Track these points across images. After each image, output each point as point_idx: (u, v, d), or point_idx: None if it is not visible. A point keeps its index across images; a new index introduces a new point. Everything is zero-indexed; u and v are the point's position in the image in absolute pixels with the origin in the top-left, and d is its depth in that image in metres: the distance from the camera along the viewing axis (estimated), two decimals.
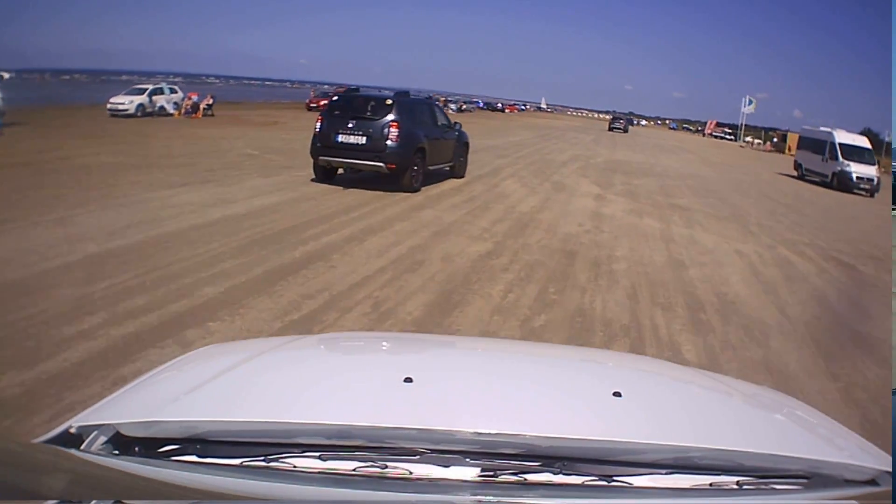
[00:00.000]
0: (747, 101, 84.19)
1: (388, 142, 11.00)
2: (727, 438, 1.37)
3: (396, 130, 11.09)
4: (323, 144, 11.09)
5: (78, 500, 1.00)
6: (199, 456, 1.22)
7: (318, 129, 11.15)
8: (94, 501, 0.99)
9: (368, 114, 11.24)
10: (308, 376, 1.64)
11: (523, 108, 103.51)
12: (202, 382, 1.45)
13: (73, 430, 1.28)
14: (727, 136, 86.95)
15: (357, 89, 12.41)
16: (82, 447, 1.24)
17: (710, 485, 1.25)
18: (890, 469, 1.32)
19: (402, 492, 1.17)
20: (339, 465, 1.19)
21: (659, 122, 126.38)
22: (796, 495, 1.27)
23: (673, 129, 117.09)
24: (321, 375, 1.65)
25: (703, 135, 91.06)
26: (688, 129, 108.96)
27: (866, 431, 2.05)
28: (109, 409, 1.38)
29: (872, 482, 1.30)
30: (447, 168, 12.55)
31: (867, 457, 1.39)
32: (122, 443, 1.26)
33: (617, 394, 1.46)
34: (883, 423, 3.86)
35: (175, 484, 1.13)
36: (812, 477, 1.28)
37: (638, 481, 1.23)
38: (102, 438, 1.26)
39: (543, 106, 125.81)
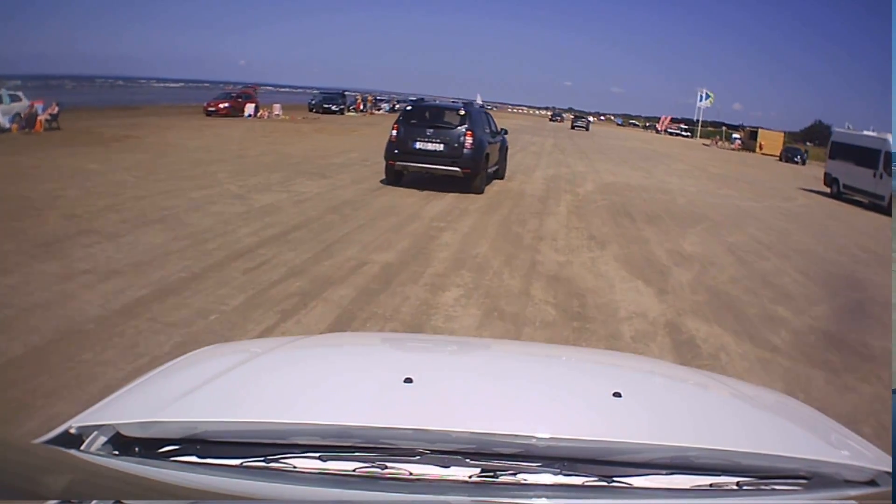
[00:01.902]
0: (704, 94, 78.11)
1: (465, 149, 12.62)
2: (727, 438, 1.39)
3: (471, 139, 12.66)
4: (400, 151, 12.78)
5: (78, 500, 1.02)
6: (199, 456, 1.26)
7: (394, 136, 12.84)
8: (94, 501, 1.01)
9: (444, 123, 12.94)
10: (308, 377, 1.66)
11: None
12: (202, 382, 1.47)
13: (73, 431, 1.31)
14: (683, 133, 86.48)
15: (422, 100, 15.83)
16: (82, 447, 1.27)
17: (710, 485, 1.27)
18: (890, 469, 1.34)
19: (401, 492, 1.20)
20: (339, 465, 1.23)
21: (602, 117, 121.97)
22: (796, 495, 1.28)
23: (619, 124, 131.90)
24: (321, 376, 1.66)
25: (657, 131, 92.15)
26: (635, 125, 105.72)
27: None
28: (109, 410, 1.40)
29: (872, 482, 1.32)
30: (492, 171, 14.28)
31: (867, 457, 1.42)
32: (122, 443, 1.30)
33: (617, 394, 1.49)
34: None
35: (175, 484, 1.16)
36: (812, 477, 1.31)
37: (638, 482, 1.25)
38: (102, 439, 1.30)
39: (479, 102, 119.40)
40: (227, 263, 6.78)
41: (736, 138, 71.91)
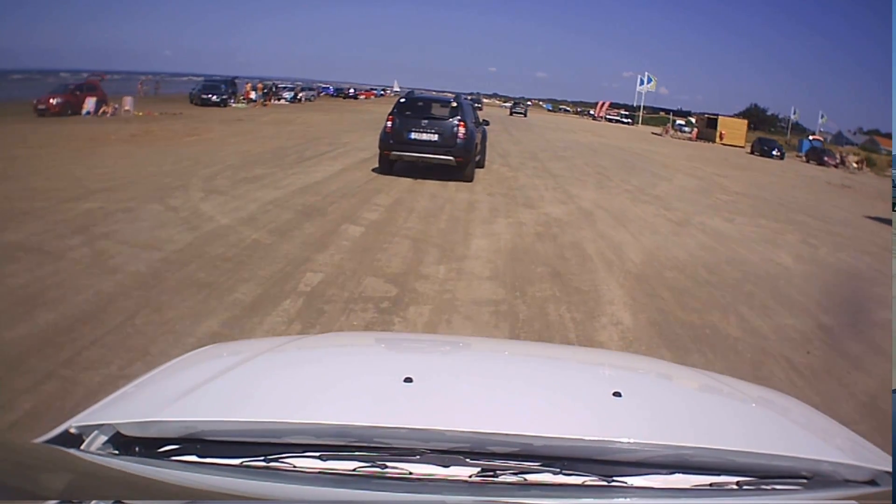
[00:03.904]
0: (646, 78, 69.11)
1: (458, 139, 13.76)
2: (727, 438, 1.42)
3: (463, 129, 13.80)
4: (395, 141, 13.97)
5: (78, 500, 1.05)
6: (199, 456, 1.30)
7: (389, 127, 14.08)
8: (94, 501, 1.04)
9: (437, 114, 14.35)
10: (308, 376, 1.67)
11: (381, 93, 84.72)
12: (202, 382, 1.49)
13: (73, 430, 1.35)
14: (624, 120, 76.93)
15: (412, 92, 17.01)
16: (82, 447, 1.31)
17: (710, 485, 1.29)
18: (890, 469, 1.36)
19: (401, 492, 1.23)
20: (339, 465, 1.27)
21: (529, 103, 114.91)
22: (796, 495, 1.29)
23: (549, 110, 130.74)
24: (321, 376, 1.68)
25: (594, 118, 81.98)
26: (566, 111, 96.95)
27: None
28: (109, 409, 1.43)
29: (872, 482, 1.34)
30: (476, 160, 16.06)
31: (867, 457, 1.44)
32: (122, 443, 1.33)
33: (617, 394, 1.52)
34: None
35: (175, 484, 1.19)
36: (812, 477, 1.33)
37: (638, 481, 1.28)
38: (102, 438, 1.33)
39: (396, 89, 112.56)
40: None
41: (681, 125, 63.31)
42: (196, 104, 38.37)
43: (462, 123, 13.88)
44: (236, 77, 50.58)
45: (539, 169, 19.43)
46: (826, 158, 45.41)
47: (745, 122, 59.46)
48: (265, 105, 44.72)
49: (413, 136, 13.79)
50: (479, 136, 15.83)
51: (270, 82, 59.72)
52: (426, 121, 13.98)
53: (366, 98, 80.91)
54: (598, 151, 30.00)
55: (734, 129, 53.71)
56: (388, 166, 14.64)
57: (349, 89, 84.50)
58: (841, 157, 47.76)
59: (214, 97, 39.12)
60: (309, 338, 2.49)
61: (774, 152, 44.66)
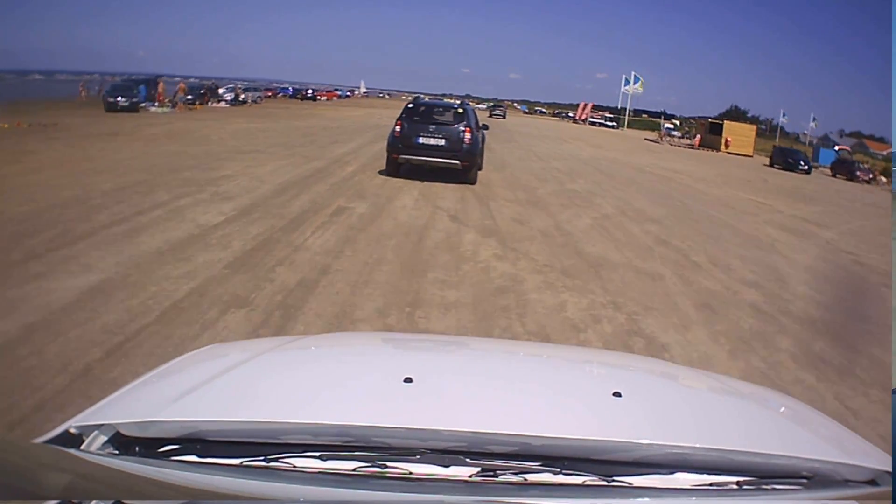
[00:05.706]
0: (632, 78, 61.27)
1: (464, 144, 14.32)
2: (727, 438, 1.41)
3: (469, 134, 14.31)
4: (404, 145, 14.60)
5: (78, 500, 1.04)
6: (199, 456, 1.29)
7: (398, 132, 14.68)
8: (94, 501, 1.04)
9: (445, 120, 14.77)
10: (308, 376, 1.65)
11: (347, 94, 75.89)
12: (202, 382, 1.48)
13: (73, 431, 1.34)
14: (608, 123, 70.10)
15: (417, 98, 17.86)
16: (82, 447, 1.30)
17: (711, 485, 1.28)
18: (890, 469, 1.34)
19: (401, 492, 1.22)
20: (339, 465, 1.26)
21: (504, 104, 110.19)
22: (796, 495, 1.28)
23: (525, 112, 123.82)
24: (321, 375, 1.66)
25: (575, 121, 75.73)
26: (542, 113, 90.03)
27: None
28: (109, 410, 1.41)
29: (872, 482, 1.33)
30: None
31: (867, 457, 1.42)
32: (122, 443, 1.32)
33: (617, 394, 1.50)
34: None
35: (175, 484, 1.18)
36: (812, 477, 1.32)
37: (638, 481, 1.26)
38: (102, 438, 1.31)
39: (364, 90, 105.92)
40: None
41: (669, 129, 56.66)
42: (105, 108, 32.12)
43: (468, 129, 14.46)
44: (160, 76, 43.63)
45: (554, 240, 9.36)
46: (858, 173, 39.18)
47: (754, 128, 54.79)
48: (193, 108, 39.34)
49: (421, 140, 14.32)
50: (481, 142, 16.76)
51: (210, 82, 52.19)
52: (433, 126, 14.50)
53: (327, 100, 74.21)
54: (615, 177, 21.00)
55: (741, 136, 47.64)
56: (395, 169, 15.21)
57: (307, 90, 78.76)
58: (871, 170, 41.58)
59: (122, 100, 32.63)
60: (309, 338, 2.39)
61: (802, 165, 37.98)
